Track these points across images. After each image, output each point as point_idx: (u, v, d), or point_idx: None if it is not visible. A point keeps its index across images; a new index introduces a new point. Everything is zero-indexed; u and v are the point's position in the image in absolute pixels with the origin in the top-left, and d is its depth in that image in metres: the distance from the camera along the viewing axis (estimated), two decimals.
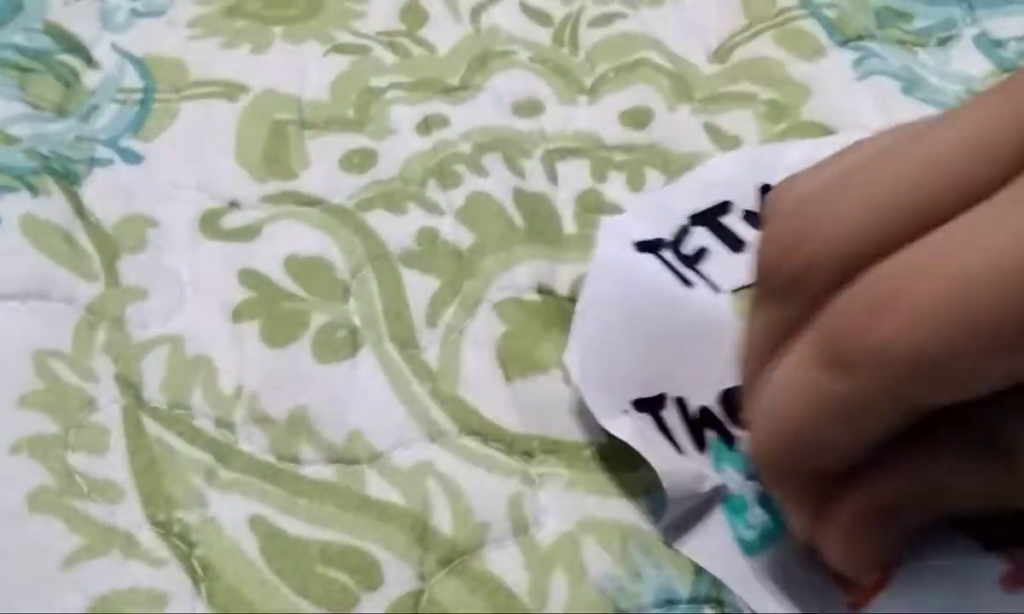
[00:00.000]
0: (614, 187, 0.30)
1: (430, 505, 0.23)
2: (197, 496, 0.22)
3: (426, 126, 0.32)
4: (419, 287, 0.28)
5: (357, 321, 0.27)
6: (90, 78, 0.33)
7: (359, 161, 0.31)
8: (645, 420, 0.24)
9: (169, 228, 0.28)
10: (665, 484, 0.22)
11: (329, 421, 0.24)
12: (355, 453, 0.24)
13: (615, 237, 0.28)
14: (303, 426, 0.24)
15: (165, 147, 0.31)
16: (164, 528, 0.21)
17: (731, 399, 0.24)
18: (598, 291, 0.27)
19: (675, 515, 0.23)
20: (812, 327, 0.18)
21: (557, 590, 0.22)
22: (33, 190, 0.28)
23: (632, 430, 0.23)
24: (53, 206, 0.28)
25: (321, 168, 0.31)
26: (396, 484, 0.23)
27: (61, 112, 0.31)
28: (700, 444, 0.24)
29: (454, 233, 0.29)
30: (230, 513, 0.22)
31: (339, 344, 0.26)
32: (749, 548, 0.22)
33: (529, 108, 0.33)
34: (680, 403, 0.24)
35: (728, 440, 0.24)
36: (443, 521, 0.23)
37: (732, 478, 0.23)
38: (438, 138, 0.32)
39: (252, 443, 0.24)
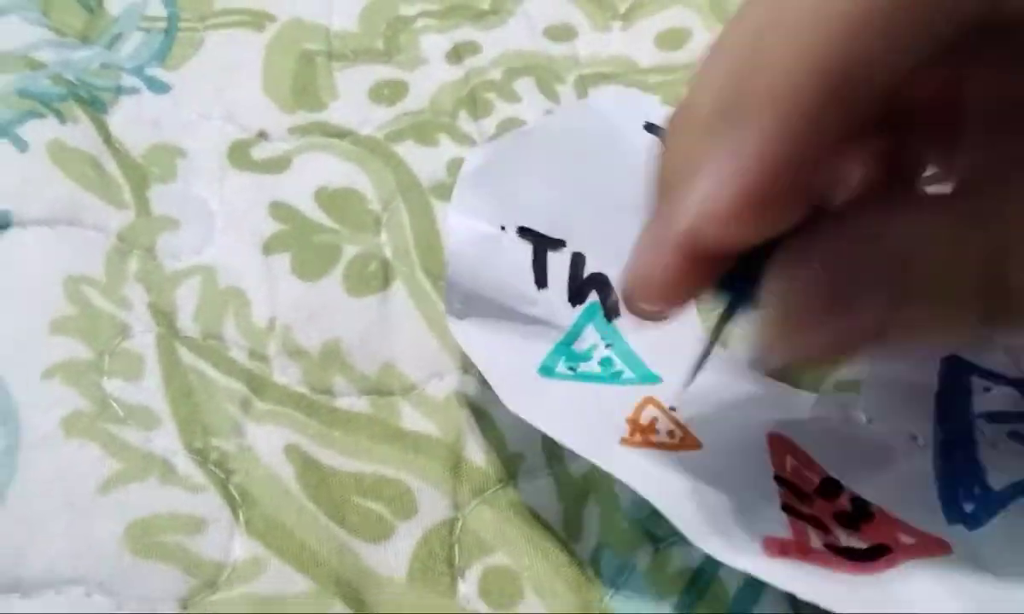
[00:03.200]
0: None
1: (463, 436, 0.23)
2: (233, 425, 0.22)
3: (456, 54, 0.31)
4: None
5: (388, 253, 0.26)
6: (113, 5, 0.32)
7: (389, 92, 0.31)
8: (515, 242, 0.24)
9: (198, 158, 0.28)
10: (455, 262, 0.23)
11: (362, 353, 0.24)
12: (388, 385, 0.24)
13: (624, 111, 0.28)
14: (336, 358, 0.24)
15: (191, 77, 0.30)
16: (201, 455, 0.21)
17: None
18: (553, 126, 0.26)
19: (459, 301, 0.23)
20: None
21: (590, 521, 0.22)
22: (60, 116, 0.27)
23: (474, 236, 0.24)
24: (81, 133, 0.27)
25: (350, 99, 0.30)
26: (429, 415, 0.23)
27: (85, 39, 0.31)
28: (576, 299, 0.24)
29: None
30: (266, 442, 0.22)
31: (371, 276, 0.26)
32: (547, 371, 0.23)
33: (562, 33, 0.32)
34: (577, 260, 0.24)
35: (608, 314, 0.24)
36: (476, 452, 0.23)
37: (589, 334, 0.23)
38: (469, 66, 0.31)
39: (286, 375, 0.24)
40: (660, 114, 0.27)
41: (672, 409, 0.22)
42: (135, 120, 0.29)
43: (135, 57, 0.31)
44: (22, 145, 0.26)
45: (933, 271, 0.16)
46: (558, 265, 0.24)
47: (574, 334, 0.24)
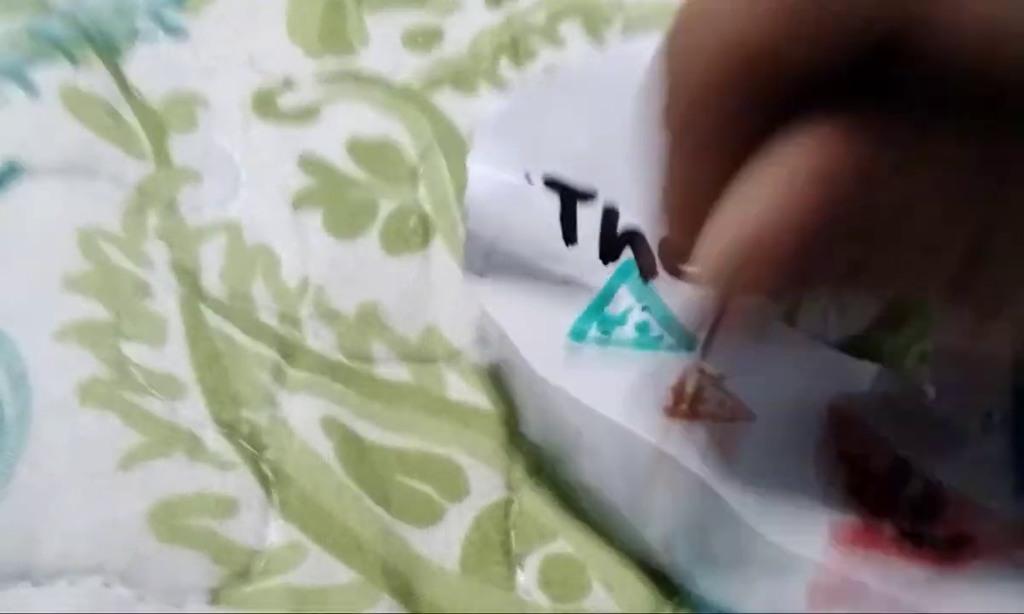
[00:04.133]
0: None
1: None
2: (265, 395, 0.20)
3: None
4: None
5: (428, 208, 0.24)
6: None
7: (423, 39, 0.28)
8: (542, 192, 0.22)
9: (220, 107, 0.26)
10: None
11: (402, 316, 0.22)
12: (431, 350, 0.22)
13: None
14: (374, 322, 0.22)
15: (211, 20, 0.28)
16: (230, 428, 0.19)
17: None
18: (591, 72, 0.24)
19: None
20: None
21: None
22: (74, 60, 0.25)
23: (497, 186, 0.21)
24: (96, 78, 0.25)
25: (382, 45, 0.28)
26: (477, 384, 0.21)
27: None
28: (609, 256, 0.22)
29: None
30: (301, 414, 0.20)
31: (410, 233, 0.24)
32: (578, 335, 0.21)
33: None
34: (610, 213, 0.22)
35: (644, 273, 0.22)
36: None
37: (623, 296, 0.21)
38: (510, 9, 0.29)
39: (320, 340, 0.22)
40: None
41: (721, 377, 0.20)
42: (152, 66, 0.27)
43: None
44: (33, 90, 0.24)
45: (919, 226, 0.15)
46: (589, 218, 0.22)
47: (607, 296, 0.21)
